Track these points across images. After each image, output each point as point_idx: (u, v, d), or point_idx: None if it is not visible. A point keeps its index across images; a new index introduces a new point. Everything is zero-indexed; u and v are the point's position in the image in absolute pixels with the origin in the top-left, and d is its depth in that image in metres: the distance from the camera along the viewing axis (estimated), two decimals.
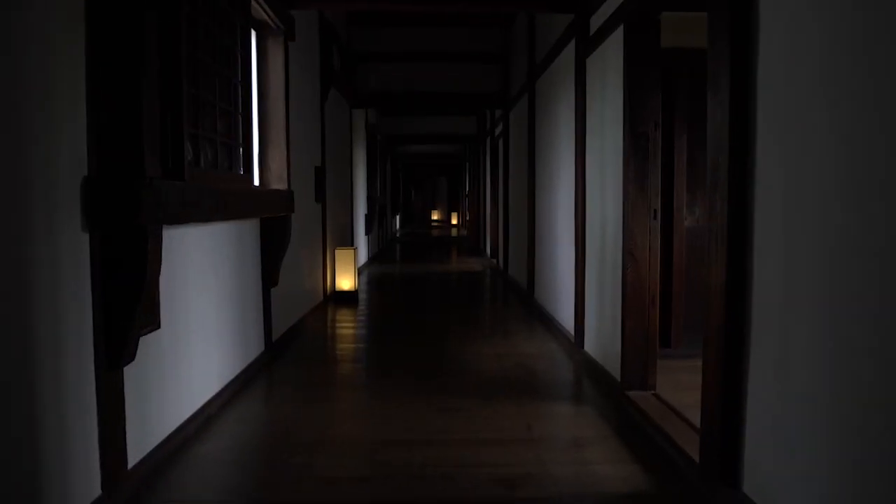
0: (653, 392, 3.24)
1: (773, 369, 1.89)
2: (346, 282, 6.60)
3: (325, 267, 6.41)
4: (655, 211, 3.24)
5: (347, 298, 6.61)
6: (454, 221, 28.37)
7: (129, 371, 2.28)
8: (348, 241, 8.27)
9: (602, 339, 3.80)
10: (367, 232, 10.44)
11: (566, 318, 4.77)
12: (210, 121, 2.91)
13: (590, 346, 4.08)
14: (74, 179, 1.96)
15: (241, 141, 3.39)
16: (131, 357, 2.19)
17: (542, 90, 5.95)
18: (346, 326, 5.55)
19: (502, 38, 8.59)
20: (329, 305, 6.41)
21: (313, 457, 2.66)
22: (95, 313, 2.06)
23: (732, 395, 2.08)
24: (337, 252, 6.59)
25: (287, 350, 4.53)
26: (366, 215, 10.32)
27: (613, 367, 3.51)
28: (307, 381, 3.82)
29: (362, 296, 7.22)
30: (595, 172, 3.97)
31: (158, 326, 2.55)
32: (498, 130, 9.77)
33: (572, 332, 4.50)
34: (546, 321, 5.42)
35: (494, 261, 10.36)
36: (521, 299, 6.84)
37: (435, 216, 33.47)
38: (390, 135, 13.62)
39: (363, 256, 10.01)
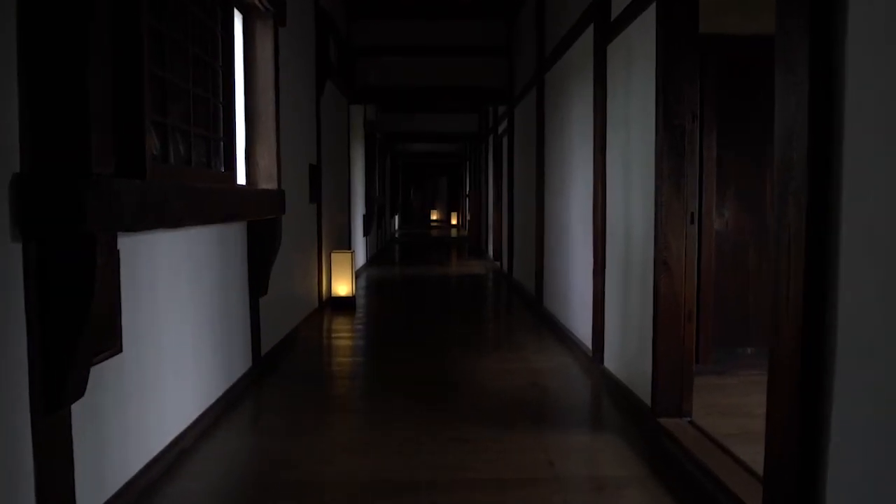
0: (689, 419, 2.86)
1: (869, 407, 1.51)
2: (342, 287, 6.22)
3: (321, 271, 6.03)
4: (693, 214, 2.85)
5: (344, 305, 6.22)
6: (454, 221, 27.97)
7: (80, 407, 1.89)
8: (346, 244, 7.89)
9: (626, 355, 3.42)
10: (366, 233, 10.05)
11: (581, 330, 4.39)
12: (182, 109, 2.53)
13: (611, 362, 3.70)
14: (1, 177, 1.58)
15: (221, 134, 3.00)
16: (79, 393, 1.81)
17: (552, 83, 5.56)
18: (343, 336, 5.16)
19: (506, 31, 8.20)
20: (325, 312, 6.02)
21: (302, 502, 2.27)
22: (31, 343, 1.67)
23: (811, 439, 1.70)
24: (333, 255, 6.20)
25: (277, 365, 4.14)
26: (364, 216, 9.93)
27: (641, 389, 3.13)
28: (297, 404, 3.43)
29: (360, 301, 6.84)
30: (618, 171, 3.58)
31: (120, 350, 2.17)
32: (501, 128, 9.38)
33: (589, 345, 4.12)
34: (557, 331, 5.04)
35: (498, 263, 9.98)
36: (529, 306, 6.46)
37: (434, 216, 33.06)
38: (390, 132, 13.23)
39: (361, 258, 9.62)
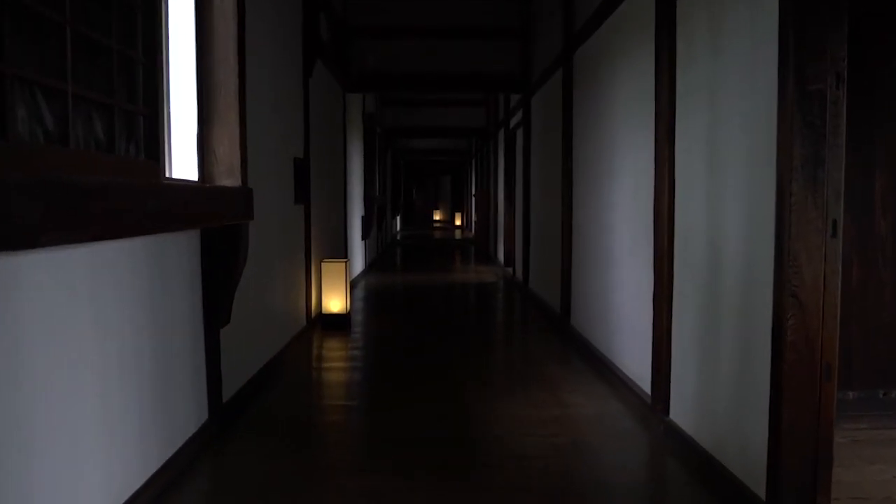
0: None
1: None
2: (335, 302, 5.30)
3: (309, 284, 5.11)
4: (835, 223, 1.94)
5: (337, 324, 5.31)
6: (458, 222, 27.04)
7: None
8: (341, 250, 6.97)
9: (712, 412, 2.51)
10: (365, 237, 9.14)
11: (632, 366, 3.47)
12: (54, 59, 1.61)
13: (683, 416, 2.78)
14: None
15: (141, 106, 2.08)
16: None
17: (584, 63, 4.65)
18: (334, 369, 4.24)
19: (520, 9, 7.27)
20: (314, 334, 5.11)
21: None
22: None
23: None
24: (324, 265, 5.29)
25: (246, 413, 3.22)
26: (363, 217, 9.02)
27: (742, 465, 2.22)
28: (267, 482, 2.51)
29: (356, 317, 5.92)
30: (696, 163, 2.67)
31: None
32: (514, 120, 8.47)
33: (646, 389, 3.21)
34: (594, 361, 4.12)
35: (510, 270, 9.06)
36: (552, 323, 5.55)
37: (437, 217, 32.15)
38: (391, 127, 12.32)
39: (359, 265, 8.71)
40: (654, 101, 3.06)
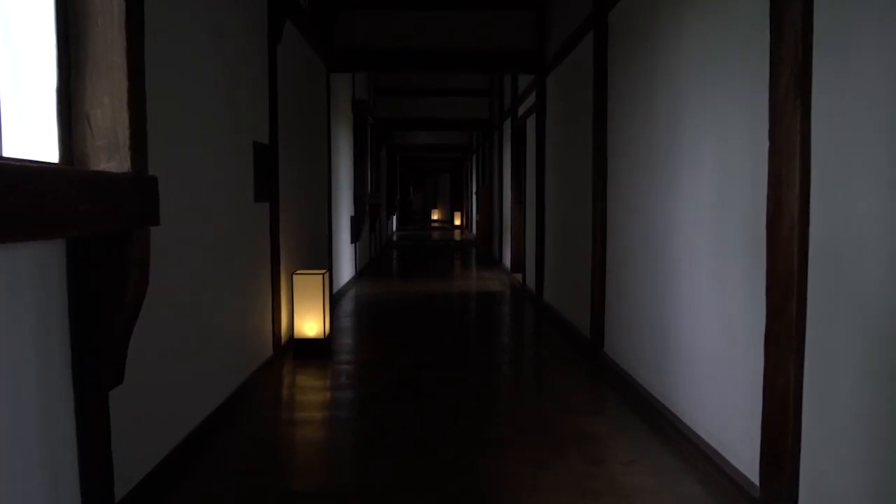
0: None
1: None
2: (310, 325, 4.26)
3: (278, 303, 4.08)
4: None
5: (314, 351, 4.27)
6: (457, 222, 25.99)
7: None
8: (323, 257, 5.94)
9: None
10: (354, 240, 8.10)
11: (716, 427, 2.45)
12: None
13: None
14: None
15: None
16: None
17: (624, 22, 3.61)
18: (304, 422, 3.19)
19: None
20: (283, 365, 4.07)
21: None
22: None
23: None
24: (296, 279, 4.25)
25: None
26: (352, 218, 7.98)
27: None
28: None
29: (342, 339, 4.88)
30: (864, 131, 1.64)
31: None
32: (524, 107, 7.44)
33: (742, 465, 2.18)
34: (642, 405, 3.09)
35: (518, 277, 8.02)
36: (577, 348, 4.52)
37: (435, 216, 31.11)
38: (385, 119, 11.28)
39: (347, 273, 7.67)
40: (757, 49, 2.03)
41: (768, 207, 2.01)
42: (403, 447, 2.78)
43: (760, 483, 2.07)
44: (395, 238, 17.76)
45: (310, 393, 3.59)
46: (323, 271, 4.30)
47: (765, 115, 2.04)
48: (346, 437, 2.96)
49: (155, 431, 2.32)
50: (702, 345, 2.61)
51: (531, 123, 7.10)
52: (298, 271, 4.31)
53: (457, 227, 25.39)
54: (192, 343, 2.68)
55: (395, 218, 19.43)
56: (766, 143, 2.03)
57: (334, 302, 6.28)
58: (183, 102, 2.55)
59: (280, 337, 4.14)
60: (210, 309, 2.90)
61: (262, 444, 2.83)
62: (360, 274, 8.80)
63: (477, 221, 14.54)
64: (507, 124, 9.10)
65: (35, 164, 1.59)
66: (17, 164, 1.39)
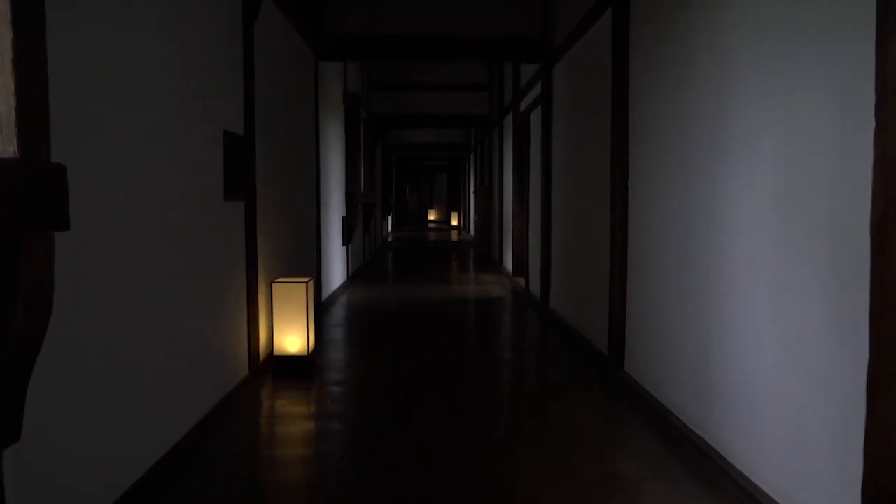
0: None
1: None
2: (292, 340, 3.77)
3: (254, 316, 3.58)
4: None
5: (296, 370, 3.78)
6: (455, 222, 25.48)
7: None
8: (311, 261, 5.44)
9: None
10: (346, 241, 7.61)
11: (787, 485, 1.96)
12: None
13: None
14: None
15: None
16: None
17: None
18: (281, 464, 2.69)
19: None
20: (261, 387, 3.57)
21: None
22: None
23: None
24: (276, 288, 3.75)
25: None
26: (344, 218, 7.49)
27: None
28: None
29: (330, 353, 4.39)
30: None
31: None
32: (528, 100, 6.96)
33: None
34: (677, 438, 2.61)
35: (521, 281, 7.54)
36: (592, 365, 4.04)
37: (432, 216, 30.62)
38: (380, 115, 10.79)
39: (338, 277, 7.17)
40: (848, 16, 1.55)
41: (876, 204, 1.53)
42: (402, 499, 2.29)
43: None
44: (390, 239, 17.25)
45: (285, 423, 3.09)
46: (307, 279, 3.81)
47: (860, 95, 1.57)
48: (330, 484, 2.47)
49: (76, 496, 1.83)
50: (762, 376, 2.13)
51: (535, 118, 6.63)
52: (279, 279, 3.81)
53: (454, 227, 24.90)
54: (139, 373, 2.19)
55: (390, 219, 18.94)
56: (866, 125, 1.55)
57: (323, 309, 5.78)
58: (126, 76, 2.06)
59: (258, 355, 3.64)
60: (162, 328, 2.40)
61: (228, 497, 2.33)
62: (353, 278, 8.30)
63: (475, 222, 14.06)
64: (509, 120, 8.62)
65: None
66: None
